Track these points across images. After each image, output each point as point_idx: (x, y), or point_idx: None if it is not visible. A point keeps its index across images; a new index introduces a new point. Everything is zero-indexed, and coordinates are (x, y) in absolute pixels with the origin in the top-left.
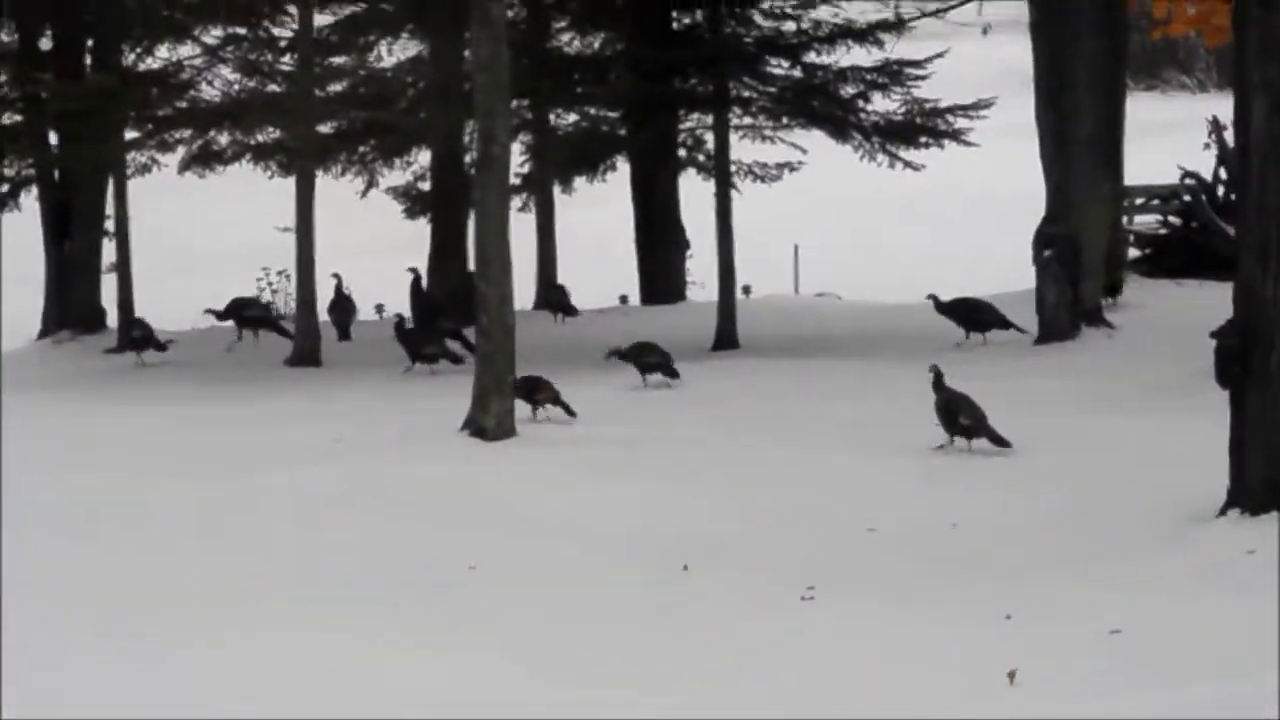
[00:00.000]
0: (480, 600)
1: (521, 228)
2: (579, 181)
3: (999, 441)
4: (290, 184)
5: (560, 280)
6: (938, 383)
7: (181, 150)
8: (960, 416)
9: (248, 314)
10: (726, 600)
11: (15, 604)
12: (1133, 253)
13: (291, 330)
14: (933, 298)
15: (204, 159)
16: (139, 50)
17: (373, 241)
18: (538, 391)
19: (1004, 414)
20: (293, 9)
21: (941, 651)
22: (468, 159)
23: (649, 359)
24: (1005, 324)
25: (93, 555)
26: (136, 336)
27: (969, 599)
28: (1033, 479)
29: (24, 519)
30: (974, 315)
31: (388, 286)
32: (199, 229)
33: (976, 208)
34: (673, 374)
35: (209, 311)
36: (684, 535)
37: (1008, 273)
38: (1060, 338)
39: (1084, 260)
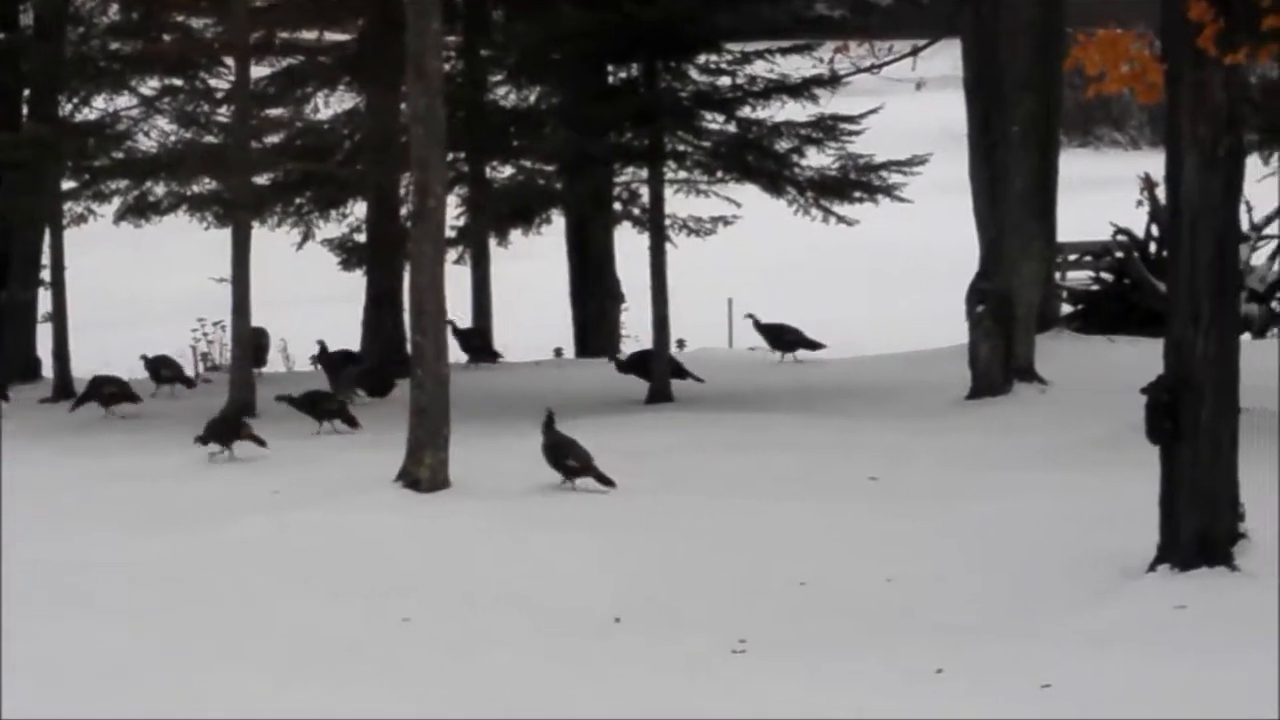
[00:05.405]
0: (405, 659)
1: (457, 280)
2: (514, 234)
3: (605, 481)
4: (227, 235)
5: (494, 332)
6: (548, 426)
7: (117, 200)
8: (569, 459)
9: None
10: (657, 657)
11: None
12: (1065, 308)
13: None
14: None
15: (140, 209)
16: (76, 100)
17: (312, 293)
18: (241, 431)
19: (934, 468)
20: (229, 61)
21: (873, 707)
22: (404, 211)
23: (328, 406)
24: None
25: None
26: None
27: (901, 654)
28: (964, 534)
29: None
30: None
31: (327, 338)
32: (136, 279)
33: (911, 263)
34: (351, 423)
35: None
36: (614, 591)
37: (941, 328)
38: (993, 393)
39: (1017, 316)
